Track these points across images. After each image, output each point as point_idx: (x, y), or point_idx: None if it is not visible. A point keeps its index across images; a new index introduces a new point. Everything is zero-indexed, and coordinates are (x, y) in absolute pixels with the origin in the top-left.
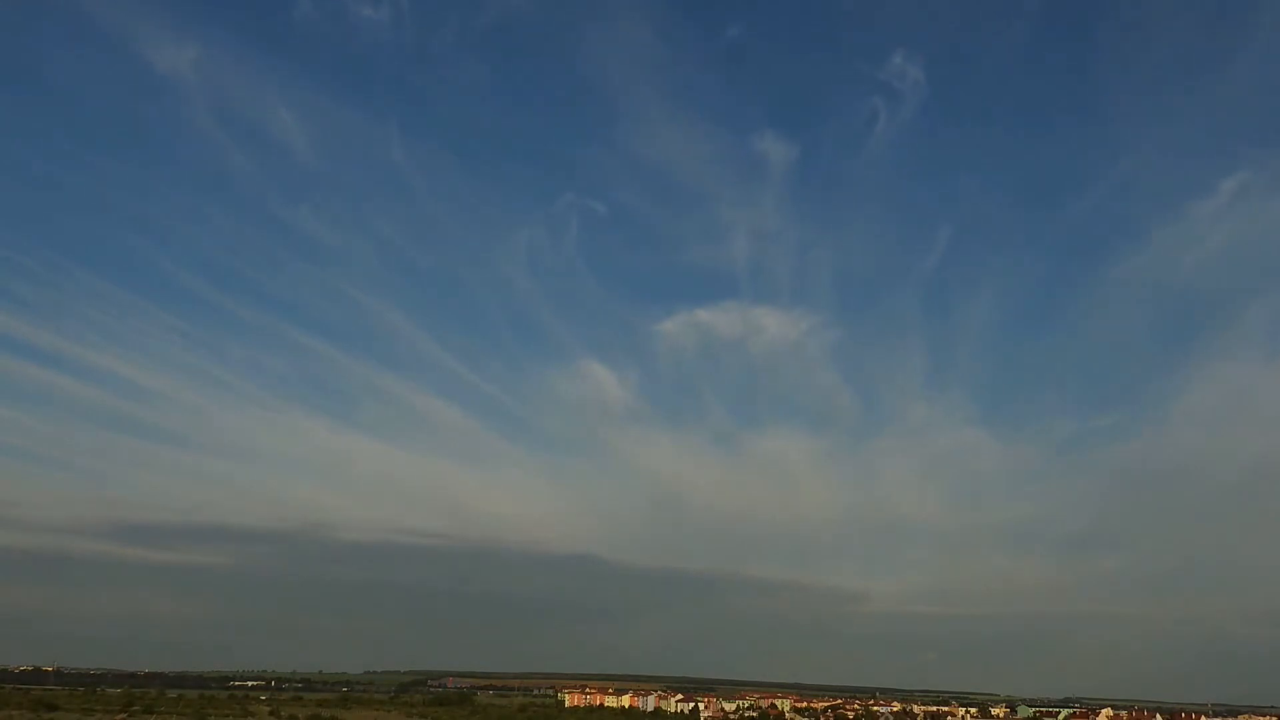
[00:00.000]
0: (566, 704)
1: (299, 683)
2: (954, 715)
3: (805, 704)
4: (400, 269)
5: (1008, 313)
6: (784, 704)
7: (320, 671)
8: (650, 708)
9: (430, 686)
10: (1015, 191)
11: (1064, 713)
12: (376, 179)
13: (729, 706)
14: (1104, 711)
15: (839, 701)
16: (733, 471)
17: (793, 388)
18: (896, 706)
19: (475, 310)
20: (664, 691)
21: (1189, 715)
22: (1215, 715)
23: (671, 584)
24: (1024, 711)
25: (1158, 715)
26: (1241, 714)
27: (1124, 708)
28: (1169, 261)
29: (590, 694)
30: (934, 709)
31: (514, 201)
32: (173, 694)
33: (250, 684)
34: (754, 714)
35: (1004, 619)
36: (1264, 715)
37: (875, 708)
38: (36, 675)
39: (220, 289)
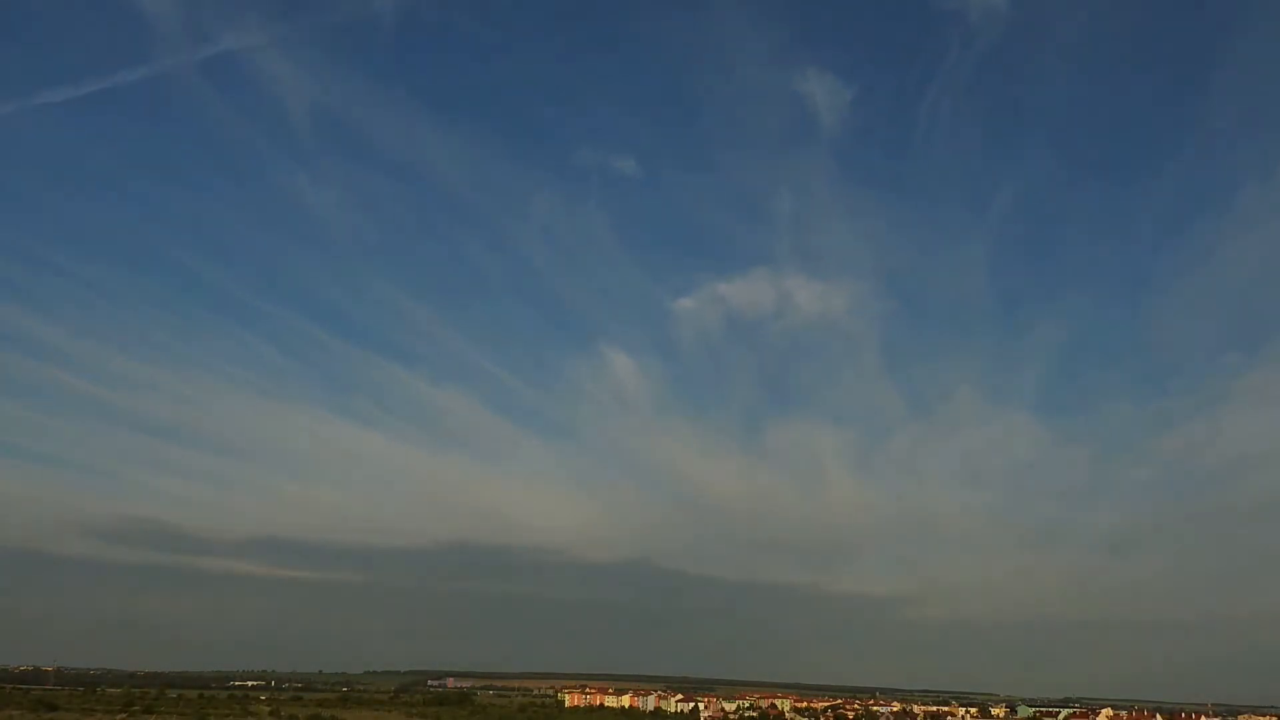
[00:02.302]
0: (566, 704)
1: (299, 683)
2: (954, 715)
3: (805, 704)
4: (398, 234)
5: (1073, 294)
6: (784, 704)
7: (320, 671)
8: (650, 708)
9: (430, 686)
10: (1093, 152)
11: (1064, 713)
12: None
13: (729, 706)
14: (1104, 711)
15: (839, 701)
16: (755, 467)
17: (827, 372)
18: (896, 706)
19: (486, 285)
20: (664, 691)
21: (1189, 715)
22: (1215, 715)
23: (688, 589)
24: (1024, 711)
25: (1158, 715)
26: (1241, 714)
27: (1124, 708)
28: (1252, 236)
29: (590, 694)
30: (934, 709)
31: (528, 160)
32: (173, 694)
33: (250, 684)
34: (754, 714)
35: (1013, 622)
36: (1264, 715)
37: (875, 708)
38: (36, 675)
39: (215, 266)
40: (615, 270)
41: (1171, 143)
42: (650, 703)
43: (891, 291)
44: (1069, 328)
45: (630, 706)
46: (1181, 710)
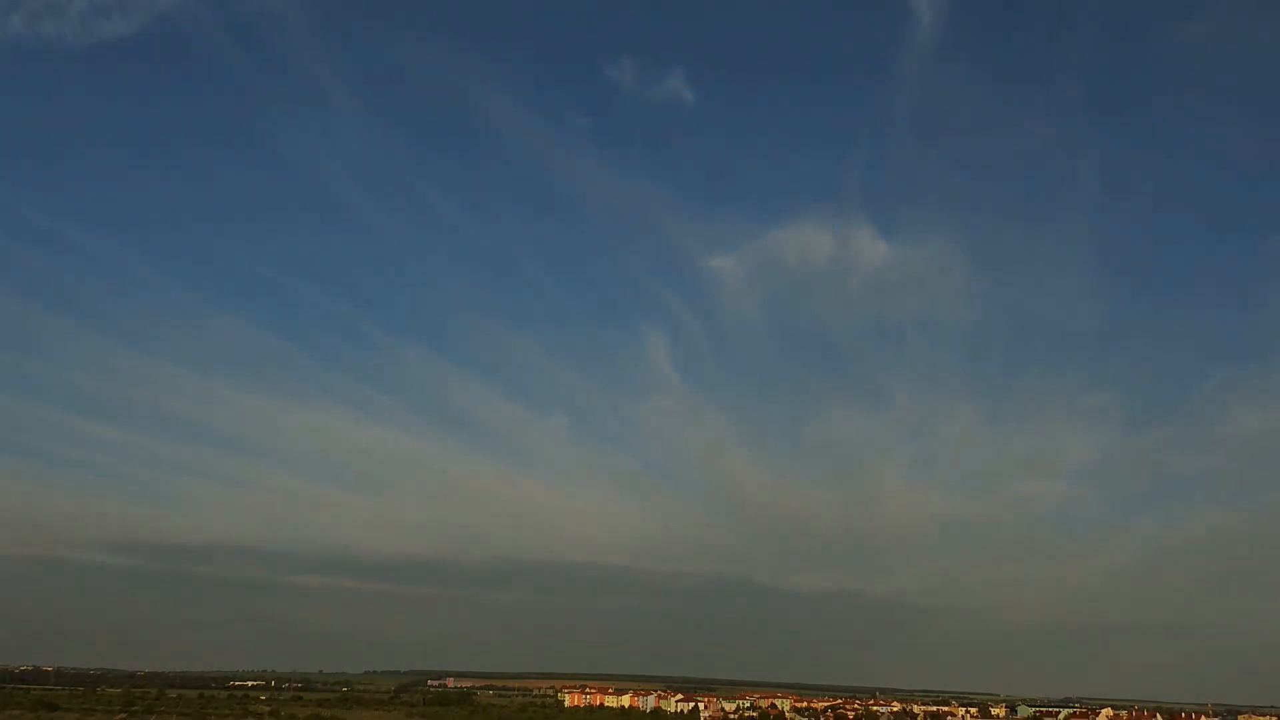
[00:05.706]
0: (566, 704)
1: (299, 683)
2: (954, 715)
3: (805, 704)
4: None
5: (1185, 276)
6: (784, 704)
7: (320, 671)
8: (650, 708)
9: (430, 686)
10: (1225, 119)
11: (1064, 713)
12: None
13: (729, 706)
14: (1104, 711)
15: (839, 701)
16: (794, 463)
17: (886, 347)
18: (896, 706)
19: (514, 255)
20: (664, 691)
21: (1189, 715)
22: (1215, 715)
23: (699, 595)
24: (1024, 711)
25: (1158, 715)
26: (1241, 714)
27: (1124, 708)
28: None
29: (590, 694)
30: (934, 709)
31: (554, 85)
32: (173, 694)
33: (250, 684)
34: (754, 714)
35: (1019, 624)
36: (1264, 715)
37: (875, 708)
38: (36, 675)
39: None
40: (656, 226)
41: None
42: (650, 703)
43: (972, 254)
44: (1176, 315)
45: (630, 706)
46: (1181, 710)
